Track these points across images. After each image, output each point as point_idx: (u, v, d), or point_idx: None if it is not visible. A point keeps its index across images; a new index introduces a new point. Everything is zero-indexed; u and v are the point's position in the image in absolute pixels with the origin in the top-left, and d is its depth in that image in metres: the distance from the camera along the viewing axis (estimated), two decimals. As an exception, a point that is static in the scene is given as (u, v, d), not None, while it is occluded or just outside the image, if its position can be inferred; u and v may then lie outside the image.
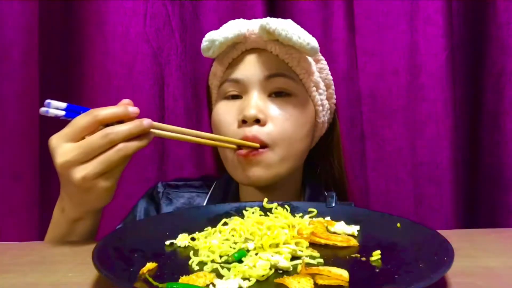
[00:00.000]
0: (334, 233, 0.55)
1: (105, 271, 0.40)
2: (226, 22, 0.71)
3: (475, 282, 0.43)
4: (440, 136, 0.96)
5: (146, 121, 0.57)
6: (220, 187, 0.82)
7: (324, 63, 0.77)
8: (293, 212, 0.60)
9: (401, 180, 0.99)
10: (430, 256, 0.44)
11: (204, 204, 0.81)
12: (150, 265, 0.45)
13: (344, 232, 0.55)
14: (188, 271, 0.45)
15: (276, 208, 0.59)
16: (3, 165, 0.97)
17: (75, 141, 0.54)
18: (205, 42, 0.71)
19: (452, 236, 0.48)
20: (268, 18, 0.68)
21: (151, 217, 0.64)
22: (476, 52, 0.99)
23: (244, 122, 0.68)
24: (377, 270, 0.44)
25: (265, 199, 0.62)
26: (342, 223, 0.57)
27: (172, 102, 1.00)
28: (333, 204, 0.62)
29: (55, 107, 0.56)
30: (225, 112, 0.72)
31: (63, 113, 0.57)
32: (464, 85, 1.00)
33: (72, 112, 0.57)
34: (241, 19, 0.73)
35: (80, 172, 0.54)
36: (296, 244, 0.51)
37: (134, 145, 0.56)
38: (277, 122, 0.69)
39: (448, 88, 0.96)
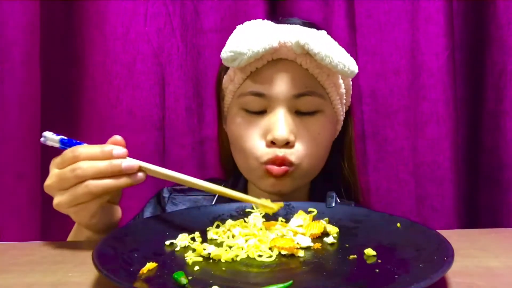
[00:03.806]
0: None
1: (105, 271, 0.40)
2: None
3: (475, 282, 0.43)
4: (442, 136, 0.96)
5: (126, 163, 0.53)
6: None
7: None
8: (292, 212, 0.61)
9: (403, 180, 0.99)
10: (430, 256, 0.44)
11: None
12: (150, 265, 0.45)
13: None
14: (188, 271, 0.45)
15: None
16: (5, 164, 0.97)
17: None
18: (229, 53, 0.65)
19: (452, 236, 0.48)
20: (305, 34, 0.65)
21: (151, 217, 0.64)
22: (476, 52, 0.99)
23: (273, 142, 0.67)
24: (377, 270, 0.44)
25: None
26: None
27: (173, 101, 1.00)
28: (333, 204, 0.62)
29: (51, 140, 0.60)
30: (249, 127, 0.70)
31: (58, 145, 0.60)
32: (464, 84, 1.00)
33: (65, 146, 0.59)
34: (268, 24, 0.69)
35: (57, 199, 0.55)
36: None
37: (103, 184, 0.53)
38: (304, 141, 0.69)
39: (450, 88, 0.95)
